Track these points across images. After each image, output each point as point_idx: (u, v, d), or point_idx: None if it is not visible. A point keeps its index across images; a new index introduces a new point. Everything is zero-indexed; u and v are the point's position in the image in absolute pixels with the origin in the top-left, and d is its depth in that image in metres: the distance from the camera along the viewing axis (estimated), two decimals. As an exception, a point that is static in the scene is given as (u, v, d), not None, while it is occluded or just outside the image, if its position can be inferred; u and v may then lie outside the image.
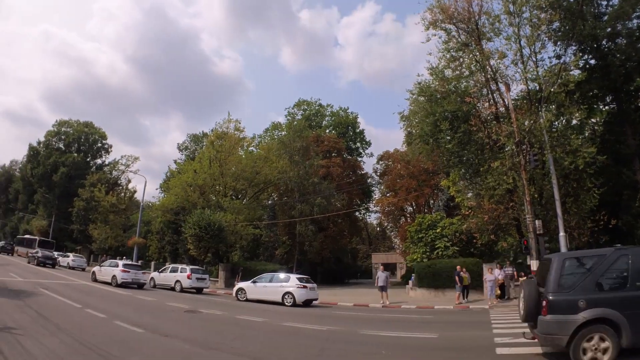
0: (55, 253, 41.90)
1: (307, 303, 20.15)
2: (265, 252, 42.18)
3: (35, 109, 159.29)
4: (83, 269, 38.89)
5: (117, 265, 24.25)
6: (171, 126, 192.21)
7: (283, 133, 50.44)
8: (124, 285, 22.89)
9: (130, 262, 27.26)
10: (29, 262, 38.12)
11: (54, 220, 62.20)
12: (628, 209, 23.28)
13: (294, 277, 20.87)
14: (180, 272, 25.66)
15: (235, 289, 22.41)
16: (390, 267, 54.52)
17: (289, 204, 42.06)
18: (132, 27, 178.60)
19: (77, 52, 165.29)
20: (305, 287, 20.19)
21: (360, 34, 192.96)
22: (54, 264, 37.35)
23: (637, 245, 21.20)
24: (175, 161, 60.33)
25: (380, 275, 22.36)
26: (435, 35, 22.58)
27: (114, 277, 23.35)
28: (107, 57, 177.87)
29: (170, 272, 26.53)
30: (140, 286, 23.98)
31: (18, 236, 60.93)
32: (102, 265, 26.34)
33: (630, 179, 23.47)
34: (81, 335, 8.86)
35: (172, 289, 25.19)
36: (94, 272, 25.95)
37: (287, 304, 19.64)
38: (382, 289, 21.84)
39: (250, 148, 49.23)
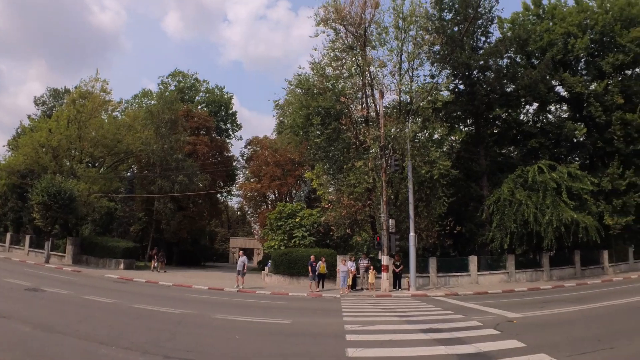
0: None
1: None
2: (119, 228, 39.76)
3: None
4: None
5: None
6: (31, 75, 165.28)
7: (153, 102, 46.83)
8: None
9: None
10: None
11: None
12: (472, 219, 26.78)
13: None
14: None
15: None
16: (247, 253, 54.32)
17: (149, 179, 39.67)
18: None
19: None
20: None
21: (251, 15, 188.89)
22: None
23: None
24: (29, 116, 51.36)
25: (239, 259, 22.57)
26: (324, 32, 23.03)
27: None
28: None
29: None
30: None
31: None
32: None
33: (477, 193, 27.26)
34: None
35: None
36: None
37: None
38: (239, 273, 21.97)
39: (115, 113, 44.51)
